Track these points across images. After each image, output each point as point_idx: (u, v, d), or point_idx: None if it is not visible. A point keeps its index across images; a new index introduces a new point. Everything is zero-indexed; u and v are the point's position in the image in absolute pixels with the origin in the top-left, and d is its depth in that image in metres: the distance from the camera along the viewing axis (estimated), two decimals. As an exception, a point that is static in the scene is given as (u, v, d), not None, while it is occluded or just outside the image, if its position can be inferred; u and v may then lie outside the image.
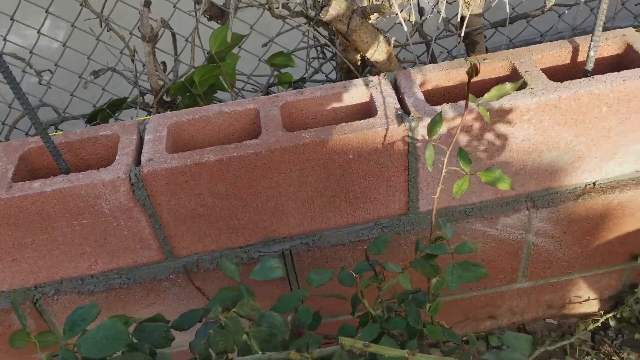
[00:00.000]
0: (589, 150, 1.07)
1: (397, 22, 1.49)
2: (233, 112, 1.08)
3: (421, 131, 0.99)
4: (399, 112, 1.01)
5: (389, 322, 0.72)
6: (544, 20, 1.65)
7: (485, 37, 1.60)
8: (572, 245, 1.20)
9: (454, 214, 1.13)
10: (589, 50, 1.03)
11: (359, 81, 1.09)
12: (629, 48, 1.07)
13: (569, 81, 1.00)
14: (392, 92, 1.06)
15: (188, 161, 0.97)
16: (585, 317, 1.37)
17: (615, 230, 1.18)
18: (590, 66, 1.04)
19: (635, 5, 1.78)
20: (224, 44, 1.36)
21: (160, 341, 0.65)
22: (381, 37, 1.18)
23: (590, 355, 1.31)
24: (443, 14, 1.53)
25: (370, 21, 1.28)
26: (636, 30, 1.10)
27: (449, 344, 0.74)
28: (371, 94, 1.07)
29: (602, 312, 1.36)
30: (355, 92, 1.08)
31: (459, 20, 1.45)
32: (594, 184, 1.13)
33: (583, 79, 1.00)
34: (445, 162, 0.78)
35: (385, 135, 0.99)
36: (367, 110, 1.09)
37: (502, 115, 0.99)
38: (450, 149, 0.85)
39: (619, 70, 1.02)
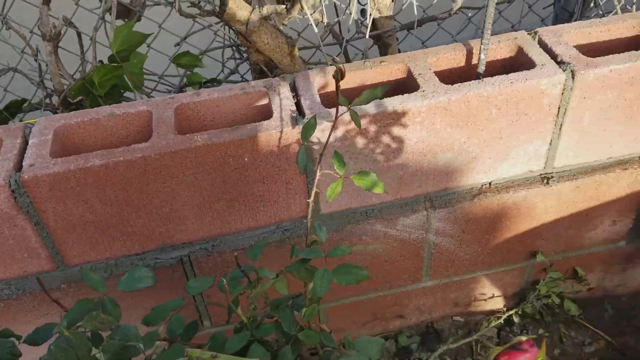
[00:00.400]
0: (482, 151, 1.09)
1: (310, 23, 1.49)
2: (125, 115, 1.04)
3: (316, 133, 0.99)
4: (294, 115, 1.00)
5: (259, 329, 0.71)
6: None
7: (397, 39, 1.63)
8: (472, 244, 1.23)
9: (355, 216, 1.13)
10: (479, 53, 1.06)
11: (258, 83, 1.08)
12: (520, 51, 1.10)
13: (459, 84, 1.02)
14: (289, 95, 1.05)
15: (72, 166, 0.93)
16: (491, 313, 1.41)
17: (512, 229, 1.22)
18: (481, 69, 1.07)
19: (544, 8, 1.84)
20: (127, 43, 1.32)
21: (6, 357, 0.62)
22: (283, 39, 1.17)
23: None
24: (354, 16, 1.54)
25: (285, 21, 1.28)
26: (528, 33, 1.13)
27: (327, 348, 0.74)
28: (269, 96, 1.05)
29: (505, 308, 1.40)
30: (254, 94, 1.07)
31: (368, 21, 1.46)
32: (489, 183, 1.15)
33: (473, 81, 1.03)
34: (319, 166, 0.78)
35: (280, 138, 0.98)
36: (265, 113, 1.08)
37: (395, 117, 1.00)
38: (321, 151, 0.85)
39: (512, 72, 1.05)
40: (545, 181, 1.16)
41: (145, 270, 0.70)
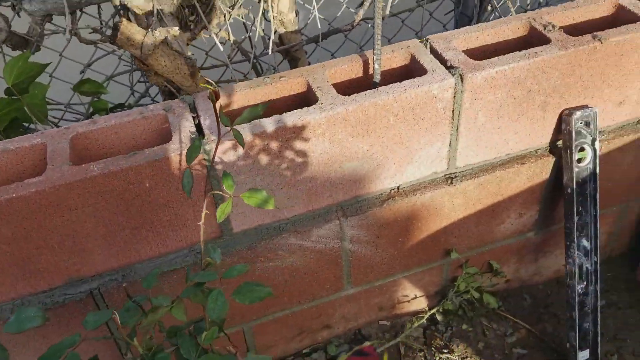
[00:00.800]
0: (386, 158, 1.12)
1: (221, 41, 1.49)
2: (19, 149, 1.00)
3: (218, 153, 0.99)
4: (193, 136, 0.99)
5: (155, 359, 0.70)
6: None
7: (306, 52, 1.65)
8: (388, 248, 1.25)
9: (268, 231, 1.13)
10: (373, 63, 1.09)
11: (157, 106, 1.07)
12: (413, 58, 1.14)
13: (355, 94, 1.04)
14: (189, 116, 1.04)
15: (-41, 207, 0.89)
16: (415, 314, 1.44)
17: (425, 230, 1.25)
18: (377, 78, 1.10)
19: (445, 14, 1.91)
20: (24, 75, 1.28)
21: None
22: (182, 60, 1.17)
23: (422, 351, 1.38)
24: (260, 32, 1.55)
25: (190, 41, 1.27)
26: (420, 41, 1.18)
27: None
28: (168, 119, 1.04)
29: (428, 308, 1.44)
30: (153, 118, 1.06)
31: (272, 37, 1.48)
32: (397, 188, 1.18)
33: (369, 91, 1.05)
34: (204, 187, 0.78)
35: (180, 161, 0.97)
36: (166, 136, 1.07)
37: (296, 132, 1.01)
38: (205, 173, 0.85)
39: (406, 80, 1.08)
40: (449, 181, 1.20)
41: (33, 310, 0.67)
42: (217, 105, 0.74)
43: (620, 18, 1.20)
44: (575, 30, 1.20)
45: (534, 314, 1.47)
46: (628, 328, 1.43)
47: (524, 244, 1.39)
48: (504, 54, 1.11)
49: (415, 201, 1.19)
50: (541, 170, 1.24)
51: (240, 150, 1.00)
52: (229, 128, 0.84)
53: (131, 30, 1.07)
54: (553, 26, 1.14)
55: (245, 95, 1.09)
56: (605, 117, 1.23)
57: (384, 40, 1.77)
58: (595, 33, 1.12)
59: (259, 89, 1.09)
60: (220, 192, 0.77)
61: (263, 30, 1.55)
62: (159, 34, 1.07)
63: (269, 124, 1.00)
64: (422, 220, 1.23)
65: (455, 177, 1.20)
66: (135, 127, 1.06)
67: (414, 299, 1.41)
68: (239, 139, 0.77)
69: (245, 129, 0.99)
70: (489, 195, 1.24)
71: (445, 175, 1.20)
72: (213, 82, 0.70)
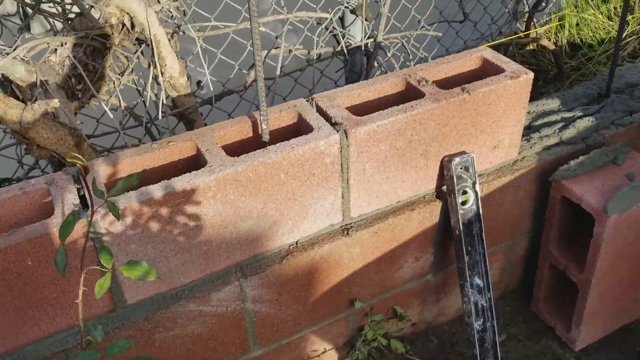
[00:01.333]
0: (282, 214, 1.13)
1: (112, 107, 1.47)
2: None
3: (103, 224, 0.96)
4: (76, 209, 0.96)
5: None
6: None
7: (202, 114, 1.66)
8: (292, 305, 1.25)
9: (165, 300, 1.10)
10: (261, 124, 1.11)
11: (38, 180, 1.03)
12: (300, 117, 1.18)
13: (245, 155, 1.06)
14: (73, 188, 1.01)
15: None
16: (327, 367, 1.43)
17: (327, 282, 1.27)
18: (266, 138, 1.12)
19: (336, 71, 2.00)
20: None
21: None
22: (66, 131, 1.14)
23: (336, 404, 1.37)
24: (152, 96, 1.55)
25: (77, 110, 1.24)
26: (306, 100, 1.22)
27: None
28: (50, 192, 1.01)
29: None
30: (35, 193, 1.02)
31: (161, 101, 1.48)
32: (296, 243, 1.20)
33: (258, 150, 1.07)
34: (81, 262, 0.75)
35: (64, 235, 0.94)
36: (49, 210, 1.03)
37: (186, 196, 1.01)
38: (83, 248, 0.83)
39: (294, 138, 1.11)
40: (345, 232, 1.23)
41: None
42: (90, 178, 0.73)
43: (486, 70, 1.31)
44: (448, 83, 1.30)
45: (440, 355, 1.51)
46: (528, 359, 1.50)
47: (424, 286, 1.44)
48: (385, 109, 1.17)
49: (314, 255, 1.20)
50: (431, 214, 1.30)
51: (129, 220, 0.98)
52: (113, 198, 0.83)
53: (8, 104, 1.04)
54: (426, 81, 1.23)
55: (132, 162, 1.07)
56: (483, 161, 1.32)
57: (280, 98, 1.82)
58: (464, 85, 1.21)
59: (146, 155, 1.08)
60: (98, 267, 0.75)
61: (156, 94, 1.55)
62: (38, 107, 1.04)
63: (157, 190, 0.99)
64: (323, 273, 1.25)
65: (351, 227, 1.24)
66: (16, 203, 1.01)
67: (323, 352, 1.41)
68: (113, 211, 0.76)
69: (132, 198, 0.97)
70: (385, 242, 1.29)
71: (341, 226, 1.23)
72: (80, 157, 0.69)
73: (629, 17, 2.33)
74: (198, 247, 1.08)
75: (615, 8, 2.40)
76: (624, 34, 2.30)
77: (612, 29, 2.35)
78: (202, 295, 1.12)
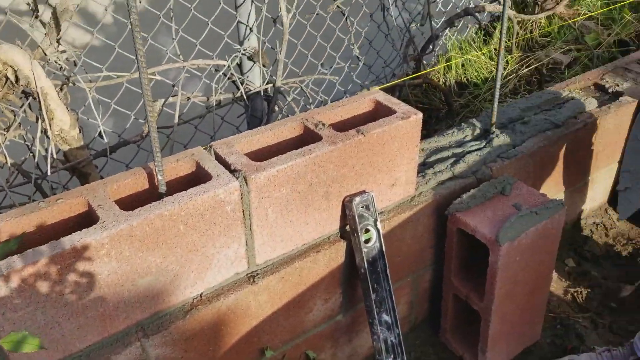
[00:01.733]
0: (183, 267, 1.10)
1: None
2: None
3: (-17, 293, 0.88)
4: (-49, 278, 0.88)
5: None
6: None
7: (97, 167, 1.59)
8: (199, 360, 1.20)
9: (58, 370, 1.02)
10: (157, 175, 1.08)
11: None
12: (199, 165, 1.16)
13: (139, 208, 1.03)
14: (-53, 255, 0.93)
15: None
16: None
17: (235, 333, 1.23)
18: (162, 189, 1.09)
19: (237, 117, 2.01)
20: None
21: None
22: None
23: None
24: (42, 151, 1.47)
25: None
26: (204, 148, 1.21)
27: None
28: None
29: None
30: None
31: (49, 156, 1.41)
32: (200, 295, 1.16)
33: (154, 203, 1.04)
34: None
35: (-63, 309, 0.85)
36: None
37: (77, 255, 0.96)
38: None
39: (193, 187, 1.09)
40: (251, 280, 1.21)
41: None
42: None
43: (379, 112, 1.37)
44: (344, 126, 1.34)
45: (357, 395, 1.50)
46: (441, 389, 1.53)
47: (335, 327, 1.44)
48: (284, 153, 1.18)
49: (220, 306, 1.17)
50: (336, 255, 1.32)
51: (13, 285, 0.91)
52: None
53: None
54: (323, 124, 1.26)
55: (17, 223, 1.01)
56: (383, 199, 1.36)
57: (180, 146, 1.79)
58: (359, 127, 1.25)
59: (33, 214, 1.02)
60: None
61: (45, 149, 1.47)
62: None
63: (45, 251, 0.93)
64: (231, 324, 1.22)
65: (257, 274, 1.22)
66: None
67: (237, 406, 1.36)
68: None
69: (16, 262, 0.91)
70: (292, 286, 1.28)
71: (247, 274, 1.21)
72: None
73: (508, 57, 2.54)
74: (93, 309, 1.02)
75: (495, 49, 2.60)
76: (505, 72, 2.49)
77: (494, 68, 2.54)
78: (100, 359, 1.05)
